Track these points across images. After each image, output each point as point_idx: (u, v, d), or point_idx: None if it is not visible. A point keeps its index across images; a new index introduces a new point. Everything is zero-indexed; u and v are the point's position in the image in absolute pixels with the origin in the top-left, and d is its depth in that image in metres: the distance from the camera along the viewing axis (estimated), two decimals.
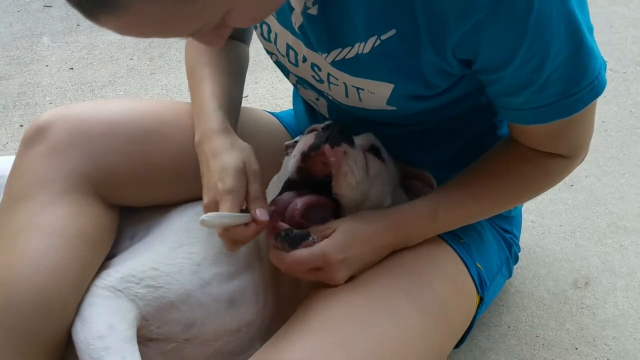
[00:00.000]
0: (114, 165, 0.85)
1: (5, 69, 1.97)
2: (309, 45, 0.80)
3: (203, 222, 0.72)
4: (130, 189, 0.88)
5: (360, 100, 0.82)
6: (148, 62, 2.00)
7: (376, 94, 0.79)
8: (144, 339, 0.79)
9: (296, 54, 0.84)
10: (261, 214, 0.75)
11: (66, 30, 2.21)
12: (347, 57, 0.77)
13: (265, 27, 0.87)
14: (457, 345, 0.94)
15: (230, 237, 0.77)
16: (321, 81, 0.85)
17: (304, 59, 0.84)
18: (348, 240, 0.78)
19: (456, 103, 0.84)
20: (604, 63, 0.74)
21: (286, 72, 0.94)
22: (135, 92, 1.86)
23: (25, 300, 0.75)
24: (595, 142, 1.57)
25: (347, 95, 0.83)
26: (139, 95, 1.85)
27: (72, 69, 1.97)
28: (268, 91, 1.85)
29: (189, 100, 0.94)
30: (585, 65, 0.70)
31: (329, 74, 0.82)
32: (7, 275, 0.75)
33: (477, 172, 0.86)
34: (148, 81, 1.90)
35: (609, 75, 1.86)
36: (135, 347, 0.74)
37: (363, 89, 0.80)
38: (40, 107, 1.77)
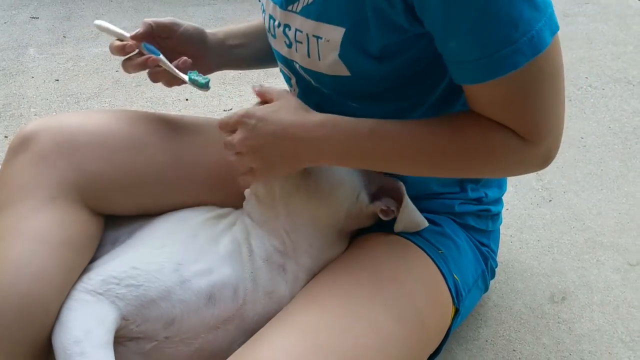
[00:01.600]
0: (100, 174, 0.87)
1: None
2: (281, 4, 0.84)
3: (96, 25, 0.93)
4: (116, 198, 0.89)
5: (319, 58, 0.82)
6: (133, 75, 2.01)
7: (330, 42, 0.79)
8: (123, 339, 0.80)
9: (274, 22, 0.87)
10: (134, 35, 0.91)
11: (52, 41, 2.21)
12: (309, 3, 0.80)
13: (262, 7, 0.91)
14: (432, 358, 0.95)
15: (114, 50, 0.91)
16: (290, 45, 0.86)
17: (279, 25, 0.86)
18: (276, 106, 0.81)
19: (417, 79, 0.82)
20: (552, 21, 0.69)
21: (278, 61, 0.97)
22: (120, 104, 1.87)
23: (8, 307, 0.75)
24: (574, 158, 1.61)
25: (309, 54, 0.83)
26: (125, 107, 1.85)
27: (57, 80, 1.98)
28: (252, 104, 1.86)
29: (174, 113, 0.96)
30: (521, 8, 0.65)
31: (296, 31, 0.83)
32: None
33: (427, 120, 0.79)
34: (133, 93, 1.91)
35: (587, 91, 1.90)
36: (111, 353, 0.75)
37: (321, 38, 0.80)
38: (25, 118, 1.77)
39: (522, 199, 1.48)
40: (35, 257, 0.78)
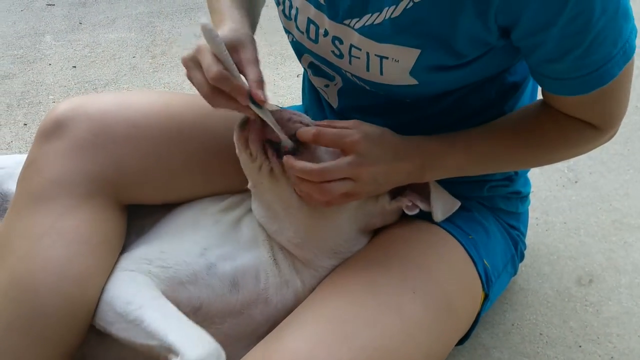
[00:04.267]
0: (136, 170, 0.85)
1: (9, 67, 1.98)
2: (333, 16, 0.79)
3: (203, 26, 0.70)
4: (147, 191, 0.88)
5: (381, 73, 0.80)
6: (150, 60, 2.00)
7: (400, 62, 0.77)
8: None
9: (317, 29, 0.83)
10: (259, 94, 0.72)
11: (69, 28, 2.21)
12: (375, 23, 0.76)
13: (287, 4, 0.86)
14: (461, 342, 0.94)
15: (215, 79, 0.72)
16: (341, 56, 0.83)
17: (325, 33, 0.82)
18: (375, 136, 0.78)
19: (475, 88, 0.85)
20: (635, 28, 0.74)
21: (301, 53, 0.93)
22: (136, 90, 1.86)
23: (54, 311, 0.75)
24: None
25: (368, 69, 0.81)
26: None
27: (74, 67, 1.98)
28: (270, 88, 1.85)
29: None
30: (621, 25, 0.69)
31: (351, 46, 0.80)
32: (33, 283, 0.75)
33: (503, 121, 0.86)
34: (150, 79, 1.90)
35: None
36: (169, 301, 0.76)
37: (387, 58, 0.78)
38: (44, 105, 1.77)
39: (547, 180, 1.45)
40: (78, 259, 0.77)
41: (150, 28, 2.20)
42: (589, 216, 1.34)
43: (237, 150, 0.86)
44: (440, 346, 0.82)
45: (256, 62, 0.75)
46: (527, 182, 1.05)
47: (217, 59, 0.71)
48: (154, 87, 1.87)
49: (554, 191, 1.41)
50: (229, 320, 0.83)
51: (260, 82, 0.74)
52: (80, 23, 2.24)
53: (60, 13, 2.32)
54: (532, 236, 1.28)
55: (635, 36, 0.73)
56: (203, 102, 0.91)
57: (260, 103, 0.74)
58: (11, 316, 0.75)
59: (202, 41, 0.73)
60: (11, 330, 0.75)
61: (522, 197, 1.02)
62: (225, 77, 0.71)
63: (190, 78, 0.76)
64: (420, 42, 0.75)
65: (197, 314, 0.81)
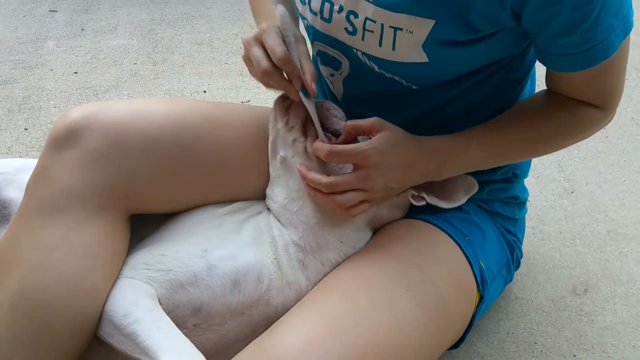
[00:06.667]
0: (148, 182, 0.84)
1: (11, 72, 1.99)
2: None
3: (280, 10, 0.81)
4: (157, 202, 0.88)
5: (393, 48, 0.82)
6: (151, 67, 2.01)
7: (414, 33, 0.79)
8: None
9: (332, 6, 0.86)
10: (314, 88, 0.82)
11: (71, 34, 2.23)
12: None
13: None
14: (456, 346, 0.95)
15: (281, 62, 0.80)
16: (354, 32, 0.85)
17: (340, 9, 0.85)
18: (388, 147, 0.81)
19: (477, 82, 0.87)
20: (632, 7, 0.78)
21: (312, 39, 0.96)
22: (138, 96, 1.87)
23: (64, 325, 0.75)
24: (596, 149, 1.59)
25: (380, 44, 0.82)
26: None
27: (76, 73, 1.99)
28: (270, 95, 1.85)
29: None
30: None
31: (365, 19, 0.82)
32: (44, 297, 0.75)
33: (512, 113, 0.89)
34: (151, 86, 1.92)
35: None
36: (163, 313, 0.77)
37: (401, 29, 0.79)
38: (45, 110, 1.78)
39: (543, 190, 1.46)
40: (89, 274, 0.77)
41: (152, 35, 2.22)
42: (584, 226, 1.35)
43: (271, 121, 0.92)
44: (433, 343, 0.83)
45: (310, 57, 0.84)
46: (524, 189, 1.06)
47: (284, 42, 0.80)
48: (155, 93, 1.88)
49: (550, 201, 1.42)
50: (229, 321, 0.84)
51: (314, 75, 0.82)
52: (83, 29, 2.26)
53: (63, 19, 2.34)
54: (528, 245, 1.29)
55: (633, 14, 0.77)
56: (216, 112, 0.93)
57: (310, 93, 0.83)
58: (20, 329, 0.75)
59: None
60: (19, 343, 0.75)
61: (519, 203, 1.03)
62: (291, 59, 0.80)
63: (247, 56, 0.83)
64: (435, 12, 0.77)
65: (197, 315, 0.81)
